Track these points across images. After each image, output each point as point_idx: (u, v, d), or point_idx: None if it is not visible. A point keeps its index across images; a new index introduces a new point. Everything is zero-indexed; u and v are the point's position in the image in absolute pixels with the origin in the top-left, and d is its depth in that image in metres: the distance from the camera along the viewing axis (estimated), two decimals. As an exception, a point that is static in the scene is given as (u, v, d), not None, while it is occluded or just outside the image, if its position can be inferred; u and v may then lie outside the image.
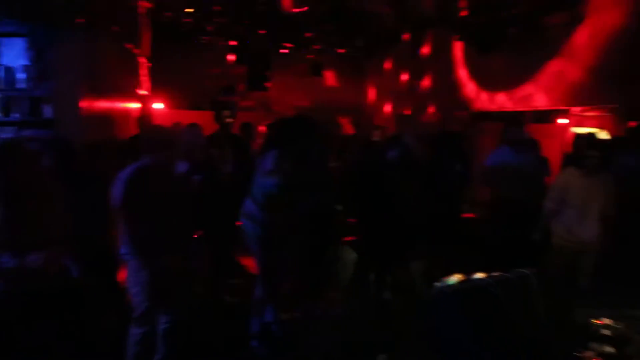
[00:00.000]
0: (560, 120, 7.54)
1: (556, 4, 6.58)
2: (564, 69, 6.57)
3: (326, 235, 4.02)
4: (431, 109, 8.75)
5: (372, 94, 11.20)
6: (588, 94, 6.48)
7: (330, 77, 11.20)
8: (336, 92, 11.02)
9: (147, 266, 2.89)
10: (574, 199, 4.11)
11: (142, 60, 7.39)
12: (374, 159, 3.88)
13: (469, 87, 8.33)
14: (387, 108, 10.26)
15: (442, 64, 8.63)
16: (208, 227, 4.15)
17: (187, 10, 7.56)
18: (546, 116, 7.56)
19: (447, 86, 8.65)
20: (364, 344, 3.46)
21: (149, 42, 7.57)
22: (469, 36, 7.07)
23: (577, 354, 2.62)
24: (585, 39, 6.38)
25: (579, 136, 6.04)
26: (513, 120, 5.95)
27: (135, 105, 7.34)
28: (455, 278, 2.63)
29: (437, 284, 2.60)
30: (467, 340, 2.40)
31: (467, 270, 2.83)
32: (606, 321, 2.89)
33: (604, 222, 4.06)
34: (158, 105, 8.82)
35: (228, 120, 5.30)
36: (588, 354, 2.63)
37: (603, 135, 6.53)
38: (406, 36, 8.84)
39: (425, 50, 8.90)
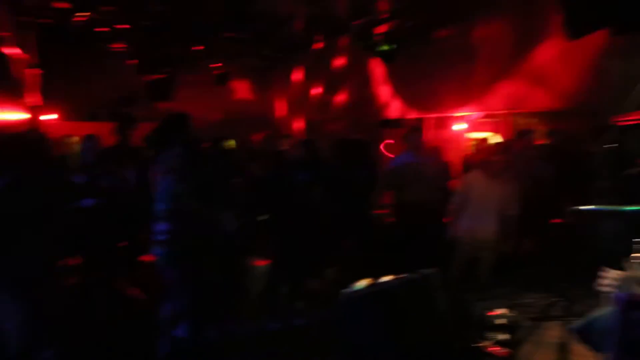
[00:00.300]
0: (457, 126, 8.12)
1: (449, 18, 7.10)
2: (460, 77, 7.09)
3: (237, 247, 3.98)
4: (340, 117, 9.01)
5: (281, 103, 11.28)
6: (483, 100, 7.07)
7: (237, 88, 11.10)
8: (244, 102, 10.95)
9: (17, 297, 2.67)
10: (476, 200, 4.44)
11: (28, 67, 6.85)
12: (283, 169, 3.91)
13: (377, 96, 8.71)
14: (296, 117, 10.39)
15: (350, 73, 8.94)
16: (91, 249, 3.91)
17: (76, 12, 7.07)
18: (445, 122, 8.11)
19: (355, 95, 8.98)
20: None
21: (35, 46, 7.04)
22: (372, 46, 7.37)
23: (476, 345, 2.82)
24: (477, 49, 6.97)
25: (482, 141, 6.54)
26: (415, 126, 6.30)
27: (20, 116, 6.75)
28: (363, 283, 2.72)
29: (345, 290, 2.68)
30: (376, 343, 2.50)
31: (377, 274, 2.95)
32: (500, 311, 3.15)
33: (505, 222, 4.43)
34: (50, 116, 8.19)
35: (128, 131, 5.08)
36: (485, 343, 2.84)
37: (497, 139, 7.12)
38: (317, 45, 9.01)
39: (335, 59, 9.15)
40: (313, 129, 9.42)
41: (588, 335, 2.20)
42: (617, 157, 4.34)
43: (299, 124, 10.20)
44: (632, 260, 1.98)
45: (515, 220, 4.43)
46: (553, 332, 2.46)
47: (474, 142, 7.03)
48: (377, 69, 8.44)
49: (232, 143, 6.22)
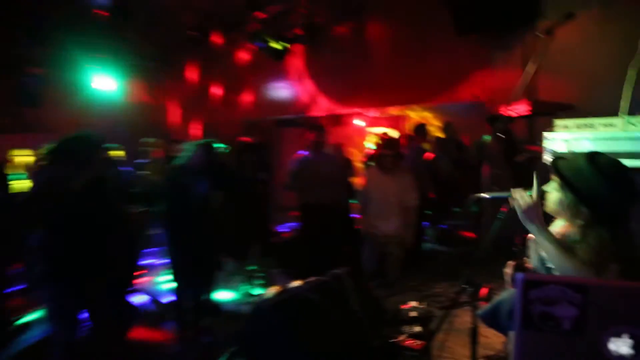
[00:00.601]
0: (356, 122, 8.40)
1: (343, 15, 7.32)
2: (359, 74, 7.34)
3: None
4: (236, 117, 8.90)
5: (174, 106, 10.87)
6: (380, 96, 7.37)
7: (126, 91, 10.50)
8: (132, 107, 10.40)
9: None
10: (375, 196, 4.62)
11: None
12: (177, 175, 3.75)
13: (276, 95, 8.72)
14: (190, 120, 10.09)
15: (249, 72, 8.85)
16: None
17: None
18: (345, 119, 8.35)
19: (255, 95, 8.92)
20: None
21: None
22: (263, 44, 7.37)
23: (391, 340, 2.94)
24: (373, 46, 7.26)
25: (379, 136, 6.80)
26: (315, 125, 6.42)
27: None
28: (271, 291, 2.71)
29: (255, 300, 2.65)
30: (290, 350, 2.50)
31: (286, 280, 2.95)
32: (413, 304, 3.31)
33: (406, 214, 4.63)
34: None
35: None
36: (400, 337, 2.96)
37: (394, 134, 7.46)
38: (213, 42, 8.79)
39: (232, 57, 9.01)
40: (210, 132, 9.21)
41: (494, 319, 2.39)
42: (508, 145, 4.76)
43: (195, 128, 9.92)
44: (525, 244, 2.19)
45: (415, 212, 4.68)
46: (464, 319, 2.63)
47: (373, 138, 7.33)
48: (276, 67, 8.46)
49: (120, 153, 5.89)
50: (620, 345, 1.22)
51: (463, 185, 5.00)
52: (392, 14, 6.95)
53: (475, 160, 5.06)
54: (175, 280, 3.70)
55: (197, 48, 8.91)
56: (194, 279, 3.66)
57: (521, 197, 2.00)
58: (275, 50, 7.33)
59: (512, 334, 1.93)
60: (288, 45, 7.36)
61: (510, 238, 2.45)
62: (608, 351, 1.22)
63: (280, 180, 5.11)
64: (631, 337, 1.23)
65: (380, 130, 7.65)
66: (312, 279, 2.96)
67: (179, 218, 3.60)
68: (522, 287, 1.31)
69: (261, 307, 2.71)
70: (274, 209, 5.07)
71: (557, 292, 1.30)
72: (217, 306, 4.15)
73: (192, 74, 9.99)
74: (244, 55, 8.86)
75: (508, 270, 2.33)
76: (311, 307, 2.74)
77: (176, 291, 3.73)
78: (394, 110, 7.98)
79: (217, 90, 9.54)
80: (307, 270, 3.12)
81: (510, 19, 5.51)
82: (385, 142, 5.34)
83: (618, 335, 1.24)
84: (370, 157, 5.54)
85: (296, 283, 2.87)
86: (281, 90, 8.63)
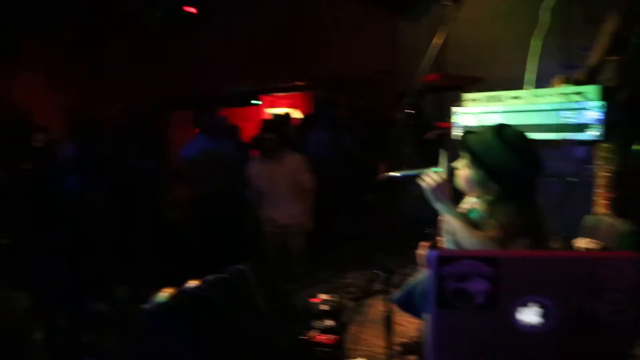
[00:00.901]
0: (254, 102, 8.35)
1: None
2: (255, 47, 7.27)
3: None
4: (112, 100, 8.47)
5: (35, 88, 10.11)
6: (280, 72, 7.38)
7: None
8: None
9: None
10: (263, 186, 4.62)
11: None
12: (41, 172, 3.53)
13: (159, 72, 8.38)
14: (53, 103, 9.45)
15: (122, 47, 8.43)
16: None
17: None
18: (242, 98, 8.25)
19: (132, 72, 8.52)
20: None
21: None
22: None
23: (302, 336, 3.00)
24: (269, 15, 7.22)
25: (275, 118, 6.80)
26: (206, 105, 6.28)
27: None
28: (164, 294, 2.65)
29: (145, 306, 2.58)
30: (190, 355, 2.47)
31: (179, 282, 2.90)
32: (323, 297, 3.39)
33: (302, 199, 4.69)
34: None
35: None
36: (311, 333, 3.03)
37: (296, 114, 7.52)
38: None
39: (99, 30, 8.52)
40: (79, 117, 8.69)
41: (409, 303, 2.52)
42: (418, 121, 4.98)
43: (59, 111, 9.30)
44: (438, 225, 2.33)
45: (312, 195, 4.75)
46: (377, 308, 2.75)
47: (269, 120, 7.28)
48: (164, 40, 8.14)
49: None
50: (530, 314, 1.35)
51: (372, 165, 5.17)
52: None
53: (384, 138, 5.23)
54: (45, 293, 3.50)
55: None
56: (68, 290, 3.49)
57: (429, 175, 2.12)
58: (160, 18, 7.08)
59: (427, 316, 2.06)
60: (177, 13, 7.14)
61: (422, 219, 2.59)
62: (519, 321, 1.35)
63: (171, 169, 4.97)
64: (540, 306, 1.36)
65: (280, 110, 7.68)
66: (210, 277, 2.93)
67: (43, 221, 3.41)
68: (435, 264, 1.40)
69: (153, 313, 2.64)
70: (163, 201, 4.93)
71: (470, 267, 1.40)
72: (101, 318, 3.99)
73: (56, 51, 9.37)
74: (126, 27, 8.44)
75: (421, 251, 2.47)
76: (212, 309, 2.72)
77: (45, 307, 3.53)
78: (295, 88, 8.04)
79: (87, 68, 9.03)
80: (204, 267, 3.09)
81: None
82: (267, 125, 5.22)
83: (527, 305, 1.37)
84: (253, 142, 5.42)
85: (193, 283, 2.83)
86: (169, 67, 8.34)
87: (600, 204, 3.41)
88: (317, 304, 3.28)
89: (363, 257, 4.15)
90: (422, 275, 2.46)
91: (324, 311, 3.23)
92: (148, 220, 4.50)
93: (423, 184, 2.12)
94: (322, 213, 4.89)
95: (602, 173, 3.41)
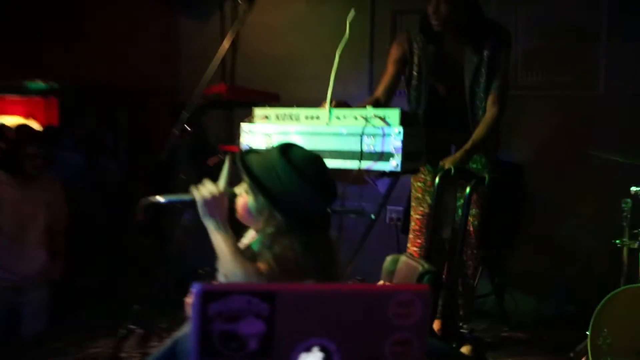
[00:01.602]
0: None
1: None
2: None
3: None
4: None
5: None
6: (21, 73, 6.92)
7: None
8: None
9: None
10: (5, 220, 4.27)
11: None
12: None
13: None
14: None
15: None
16: None
17: None
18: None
19: None
20: None
21: None
22: None
23: None
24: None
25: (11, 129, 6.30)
26: None
27: None
28: None
29: None
30: None
31: None
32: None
33: (54, 243, 4.46)
34: None
35: None
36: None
37: (34, 125, 7.10)
38: None
39: None
40: None
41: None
42: (198, 142, 5.03)
43: None
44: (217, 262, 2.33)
45: (63, 237, 4.56)
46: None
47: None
48: None
49: None
50: (312, 360, 1.42)
51: (138, 190, 5.10)
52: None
53: (155, 158, 5.21)
54: None
55: None
56: None
57: (204, 185, 2.12)
58: None
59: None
60: None
61: (197, 256, 2.57)
62: (300, 369, 1.41)
63: None
64: (321, 350, 1.44)
65: (13, 119, 7.18)
66: None
67: None
68: (199, 301, 1.40)
69: None
70: None
71: (242, 304, 1.43)
72: None
73: None
74: None
75: (190, 299, 2.45)
76: None
77: None
78: (33, 91, 7.58)
79: None
80: None
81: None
82: (27, 135, 4.91)
83: (309, 349, 1.44)
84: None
85: None
86: None
87: (411, 247, 3.78)
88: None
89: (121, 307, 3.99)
90: (189, 327, 2.44)
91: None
92: None
93: (196, 195, 2.12)
94: (73, 259, 4.66)
95: (414, 213, 3.79)
